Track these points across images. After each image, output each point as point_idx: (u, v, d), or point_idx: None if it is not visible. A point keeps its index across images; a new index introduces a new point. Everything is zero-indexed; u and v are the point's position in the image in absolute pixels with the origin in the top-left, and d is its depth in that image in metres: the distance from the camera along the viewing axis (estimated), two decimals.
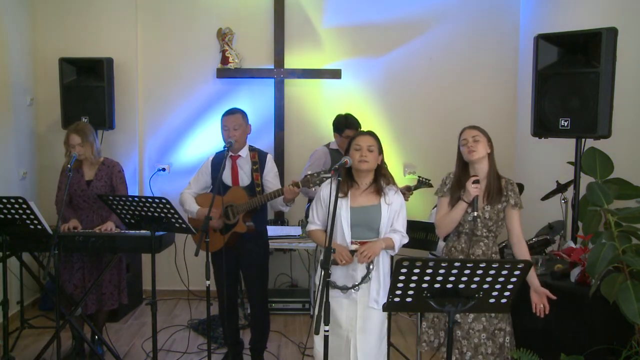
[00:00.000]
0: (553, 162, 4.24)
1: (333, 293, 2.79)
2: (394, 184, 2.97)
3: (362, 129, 3.63)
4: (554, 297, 2.79)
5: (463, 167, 2.89)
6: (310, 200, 4.37)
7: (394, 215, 2.88)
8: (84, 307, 3.61)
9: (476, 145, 2.80)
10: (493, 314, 2.80)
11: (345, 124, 4.23)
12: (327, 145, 4.43)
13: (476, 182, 2.77)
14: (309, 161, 4.37)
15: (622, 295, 2.74)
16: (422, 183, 4.38)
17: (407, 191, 4.38)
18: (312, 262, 5.08)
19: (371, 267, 2.81)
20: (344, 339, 2.85)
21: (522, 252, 2.85)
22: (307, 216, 4.35)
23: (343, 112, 4.39)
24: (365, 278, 2.82)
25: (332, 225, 2.59)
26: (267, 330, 3.75)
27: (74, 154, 3.54)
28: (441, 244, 3.99)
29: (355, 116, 4.33)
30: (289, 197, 3.32)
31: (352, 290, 2.83)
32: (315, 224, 2.98)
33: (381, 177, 2.91)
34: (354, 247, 2.81)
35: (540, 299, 2.79)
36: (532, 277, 2.80)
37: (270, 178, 3.55)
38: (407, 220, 3.00)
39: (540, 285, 2.81)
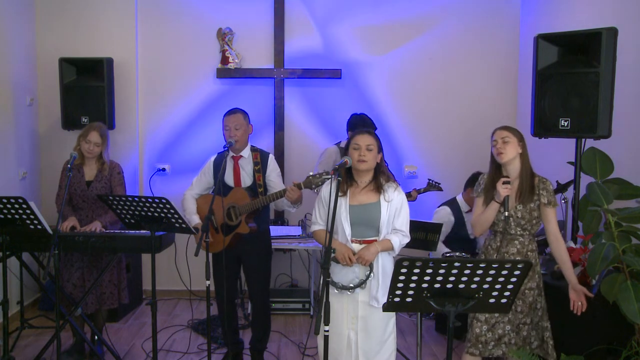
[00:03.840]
0: (553, 162, 4.24)
1: (333, 292, 2.80)
2: (394, 181, 2.95)
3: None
4: (592, 295, 2.83)
5: (496, 168, 2.94)
6: None
7: (395, 212, 2.86)
8: (84, 307, 3.61)
9: (505, 147, 2.85)
10: (519, 309, 2.85)
11: (362, 124, 4.22)
12: (338, 144, 4.43)
13: (506, 182, 2.81)
14: (319, 159, 4.37)
15: (622, 295, 2.75)
16: (432, 186, 4.39)
17: (414, 192, 4.41)
18: (312, 262, 5.08)
19: (371, 275, 2.81)
20: (344, 338, 2.85)
21: (558, 250, 2.88)
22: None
23: (358, 112, 4.41)
24: (363, 283, 2.82)
25: (332, 225, 2.59)
26: (268, 330, 3.75)
27: (74, 154, 3.54)
28: (440, 247, 4.02)
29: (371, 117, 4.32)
30: (291, 197, 3.30)
31: (348, 292, 2.83)
32: (318, 224, 2.97)
33: (380, 175, 2.90)
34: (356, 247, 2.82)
35: (578, 297, 2.83)
36: (570, 275, 2.85)
37: (273, 178, 3.54)
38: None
39: (578, 283, 2.84)
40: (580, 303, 2.82)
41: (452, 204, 4.26)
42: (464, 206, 4.22)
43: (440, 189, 4.44)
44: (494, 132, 2.94)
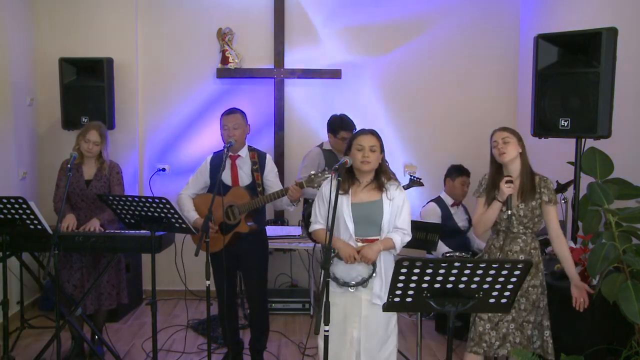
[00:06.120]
0: (553, 162, 4.24)
1: (336, 289, 2.79)
2: (396, 179, 2.96)
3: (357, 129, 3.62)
4: (592, 291, 2.88)
5: (497, 168, 2.99)
6: (306, 202, 4.36)
7: (397, 211, 2.85)
8: (84, 308, 3.61)
9: (506, 147, 2.90)
10: (522, 307, 2.87)
11: (341, 125, 4.23)
12: (320, 146, 4.42)
13: (509, 181, 2.85)
14: (303, 162, 4.35)
15: (622, 295, 2.75)
16: (414, 182, 4.44)
17: None
18: (312, 262, 5.08)
19: (374, 273, 2.81)
20: (347, 335, 2.84)
21: (560, 247, 2.92)
22: (304, 217, 4.35)
23: (339, 113, 4.39)
24: (365, 282, 2.81)
25: (332, 225, 2.58)
26: (266, 330, 3.75)
27: (74, 154, 3.54)
28: (440, 247, 4.05)
29: (352, 117, 4.33)
30: (293, 196, 3.32)
31: (350, 289, 2.82)
32: (319, 223, 2.95)
33: (382, 173, 2.90)
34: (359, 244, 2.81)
35: (580, 293, 2.87)
36: (572, 272, 2.90)
37: (271, 178, 3.57)
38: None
39: (580, 280, 2.89)
40: (582, 300, 2.86)
41: (437, 200, 4.48)
42: (448, 200, 4.46)
43: (422, 184, 4.48)
44: (493, 133, 2.99)
